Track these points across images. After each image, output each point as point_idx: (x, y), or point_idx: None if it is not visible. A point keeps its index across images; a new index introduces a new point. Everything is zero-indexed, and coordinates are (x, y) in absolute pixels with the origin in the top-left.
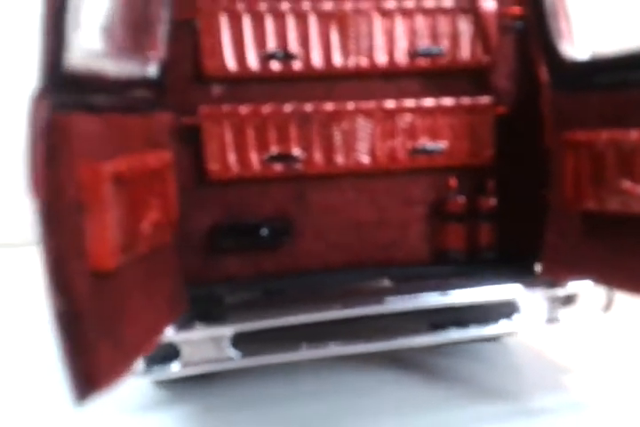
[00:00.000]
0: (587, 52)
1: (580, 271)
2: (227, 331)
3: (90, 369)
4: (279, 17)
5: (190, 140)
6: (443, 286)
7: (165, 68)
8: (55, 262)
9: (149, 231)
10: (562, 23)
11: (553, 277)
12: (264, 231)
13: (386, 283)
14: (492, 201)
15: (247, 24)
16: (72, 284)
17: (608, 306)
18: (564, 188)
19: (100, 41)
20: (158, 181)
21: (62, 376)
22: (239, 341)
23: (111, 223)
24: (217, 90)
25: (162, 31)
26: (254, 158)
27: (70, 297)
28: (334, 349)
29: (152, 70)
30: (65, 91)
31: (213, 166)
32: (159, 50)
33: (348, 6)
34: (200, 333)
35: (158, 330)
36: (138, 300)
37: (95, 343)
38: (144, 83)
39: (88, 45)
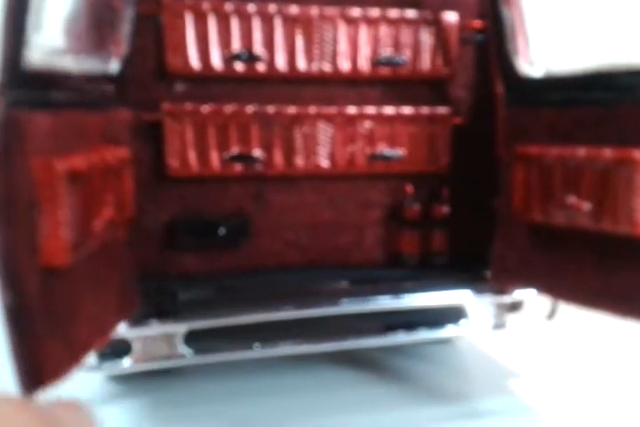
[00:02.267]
0: (541, 69)
1: (525, 281)
2: (180, 328)
3: (38, 364)
4: (245, 18)
5: (151, 137)
6: (396, 290)
7: (127, 63)
8: (7, 258)
9: (102, 228)
10: (519, 40)
11: (500, 285)
12: (222, 231)
13: (342, 284)
14: (446, 209)
15: (212, 24)
16: (23, 279)
17: (552, 314)
18: (512, 199)
19: (63, 37)
20: (114, 177)
21: (12, 369)
22: (192, 338)
23: (64, 221)
24: (180, 88)
25: (125, 27)
26: (214, 157)
27: (21, 292)
28: (286, 348)
29: (113, 66)
30: (23, 88)
31: (173, 163)
32: (121, 46)
33: (314, 12)
34: (152, 329)
35: (109, 327)
36: (89, 297)
37: (44, 339)
38: (104, 79)
39: (50, 42)
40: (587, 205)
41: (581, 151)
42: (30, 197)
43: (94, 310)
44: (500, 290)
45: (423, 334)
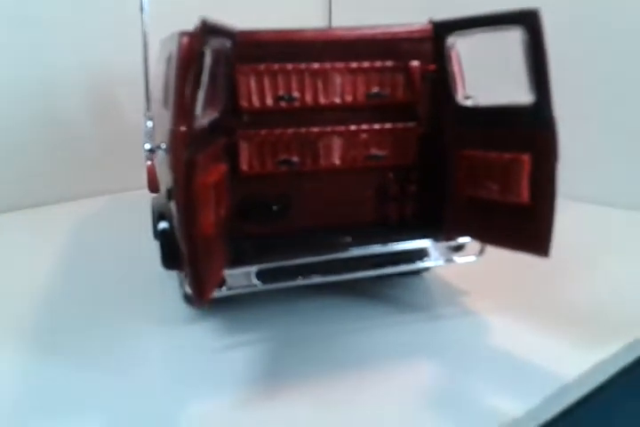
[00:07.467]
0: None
1: (465, 232)
2: (252, 268)
3: (203, 285)
4: (286, 74)
5: (229, 153)
6: (384, 240)
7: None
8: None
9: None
10: (457, 80)
11: (449, 235)
12: (275, 207)
13: (347, 238)
14: (413, 188)
15: (266, 80)
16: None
17: (481, 252)
18: (455, 183)
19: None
20: None
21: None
22: (261, 274)
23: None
24: (246, 118)
25: (222, 84)
26: (269, 161)
27: (193, 252)
28: (317, 279)
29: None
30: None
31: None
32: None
33: (328, 66)
34: (236, 270)
35: (221, 270)
36: (217, 254)
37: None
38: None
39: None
40: (496, 187)
41: (493, 155)
42: None
43: (217, 261)
44: (450, 238)
45: (401, 267)
